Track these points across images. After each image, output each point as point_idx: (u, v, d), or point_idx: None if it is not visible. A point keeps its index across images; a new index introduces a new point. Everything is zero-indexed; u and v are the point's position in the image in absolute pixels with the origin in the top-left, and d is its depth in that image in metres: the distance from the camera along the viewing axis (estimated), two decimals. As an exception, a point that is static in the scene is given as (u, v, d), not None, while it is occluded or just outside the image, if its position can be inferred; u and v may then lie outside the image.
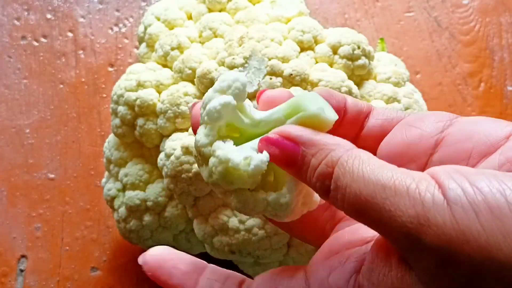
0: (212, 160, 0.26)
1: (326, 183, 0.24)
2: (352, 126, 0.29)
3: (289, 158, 0.25)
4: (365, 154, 0.24)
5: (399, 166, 0.27)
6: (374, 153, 0.29)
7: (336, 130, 0.28)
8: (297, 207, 0.27)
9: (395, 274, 0.23)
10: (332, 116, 0.26)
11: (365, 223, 0.23)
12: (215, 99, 0.27)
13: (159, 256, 0.29)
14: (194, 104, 0.30)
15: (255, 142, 0.26)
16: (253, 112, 0.28)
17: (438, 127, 0.27)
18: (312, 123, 0.26)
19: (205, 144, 0.26)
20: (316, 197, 0.28)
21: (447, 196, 0.21)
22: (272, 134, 0.26)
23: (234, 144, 0.27)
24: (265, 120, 0.27)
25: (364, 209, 0.22)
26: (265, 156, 0.25)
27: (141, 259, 0.29)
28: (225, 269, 0.29)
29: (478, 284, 0.20)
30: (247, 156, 0.26)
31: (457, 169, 0.22)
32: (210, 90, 0.28)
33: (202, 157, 0.27)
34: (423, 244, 0.20)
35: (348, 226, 0.29)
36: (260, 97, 0.29)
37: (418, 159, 0.27)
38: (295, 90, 0.33)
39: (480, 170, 0.22)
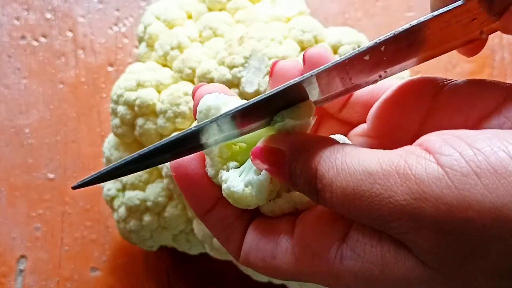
0: (222, 191, 0.27)
1: (312, 186, 0.23)
2: None
3: (279, 166, 0.24)
4: (347, 146, 0.23)
5: (389, 130, 0.26)
6: (363, 120, 0.28)
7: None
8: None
9: (386, 248, 0.21)
10: (307, 115, 0.26)
11: (358, 218, 0.22)
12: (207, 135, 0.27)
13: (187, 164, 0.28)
14: (195, 90, 0.29)
15: (249, 171, 0.27)
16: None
17: (430, 91, 0.26)
18: (292, 130, 0.26)
19: (213, 175, 0.27)
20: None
21: (442, 163, 0.19)
22: (259, 145, 0.25)
23: (238, 162, 0.27)
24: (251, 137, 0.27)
25: (354, 200, 0.21)
26: (262, 176, 0.26)
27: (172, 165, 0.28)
28: None
29: (486, 251, 0.19)
30: (248, 182, 0.26)
31: (453, 133, 0.21)
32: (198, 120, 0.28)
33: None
34: (422, 220, 0.19)
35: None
36: (273, 70, 0.28)
37: (410, 122, 0.26)
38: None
39: (479, 131, 0.21)
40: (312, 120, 0.26)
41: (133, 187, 0.42)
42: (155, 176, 0.42)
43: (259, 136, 0.27)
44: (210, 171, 0.27)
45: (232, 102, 0.27)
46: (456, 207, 0.19)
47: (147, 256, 0.50)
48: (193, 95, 0.28)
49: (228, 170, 0.27)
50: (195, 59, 0.40)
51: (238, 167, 0.27)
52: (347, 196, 0.21)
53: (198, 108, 0.27)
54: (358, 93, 0.28)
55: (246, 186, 0.26)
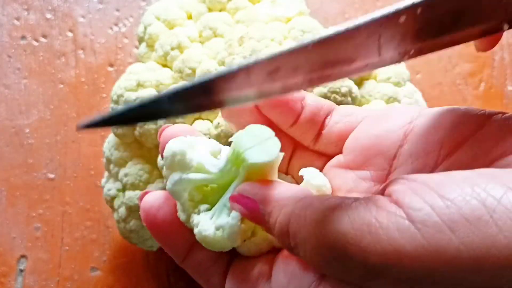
0: (196, 235, 0.26)
1: (286, 242, 0.22)
2: (311, 124, 0.28)
3: (255, 216, 0.24)
4: (317, 200, 0.22)
5: (366, 160, 0.26)
6: (339, 151, 0.28)
7: (293, 128, 0.27)
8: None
9: None
10: (271, 153, 0.25)
11: (334, 275, 0.21)
12: (168, 182, 0.27)
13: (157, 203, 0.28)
14: (160, 133, 0.29)
15: (223, 207, 0.26)
16: (209, 165, 0.27)
17: (406, 119, 0.25)
18: (260, 169, 0.25)
19: (185, 220, 0.27)
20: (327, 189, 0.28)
21: (413, 219, 0.19)
22: (235, 193, 0.25)
23: (209, 205, 0.27)
24: (222, 170, 0.27)
25: (328, 260, 0.20)
26: (234, 218, 0.25)
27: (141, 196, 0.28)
28: None
29: None
30: (219, 225, 0.26)
31: (423, 182, 0.20)
32: (164, 169, 0.28)
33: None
34: (398, 280, 0.19)
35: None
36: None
37: (387, 151, 0.25)
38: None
39: (450, 176, 0.20)
40: (280, 157, 0.26)
41: (133, 187, 0.42)
42: (155, 176, 0.42)
43: (230, 175, 0.26)
44: (182, 215, 0.27)
45: (200, 143, 0.27)
46: (432, 264, 0.18)
47: (147, 256, 0.50)
48: (159, 138, 0.28)
49: (199, 214, 0.27)
50: (195, 59, 0.40)
51: (210, 209, 0.27)
52: (322, 256, 0.21)
53: (164, 154, 0.27)
54: (332, 124, 0.28)
55: (217, 229, 0.26)
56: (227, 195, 0.26)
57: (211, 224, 0.26)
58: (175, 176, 0.27)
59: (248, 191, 0.25)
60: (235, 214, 0.25)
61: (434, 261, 0.18)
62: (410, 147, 0.25)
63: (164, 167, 0.28)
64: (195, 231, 0.26)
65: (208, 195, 0.27)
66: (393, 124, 0.26)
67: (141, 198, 0.28)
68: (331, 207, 0.21)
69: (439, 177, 0.20)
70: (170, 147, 0.27)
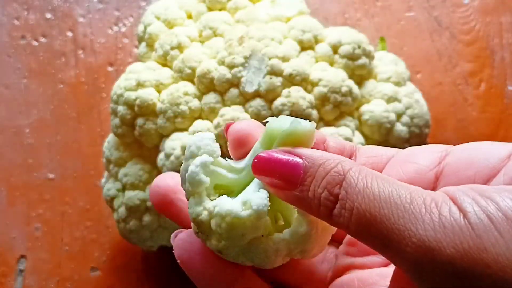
0: (213, 222, 0.24)
1: (335, 192, 0.22)
2: None
3: (290, 174, 0.23)
4: (376, 172, 0.22)
5: None
6: None
7: None
8: (318, 234, 0.25)
9: None
10: (309, 125, 0.24)
11: (369, 243, 0.22)
12: (191, 165, 0.25)
13: (193, 248, 0.27)
14: (227, 128, 0.28)
15: (249, 189, 0.25)
16: (232, 163, 0.26)
17: (435, 160, 0.26)
18: (295, 140, 0.24)
19: (199, 211, 0.25)
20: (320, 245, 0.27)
21: (464, 211, 0.20)
22: (268, 152, 0.24)
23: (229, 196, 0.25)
24: (248, 166, 0.26)
25: (372, 227, 0.21)
26: (263, 193, 0.24)
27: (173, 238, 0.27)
28: None
29: None
30: (245, 200, 0.24)
31: (471, 187, 0.21)
32: (183, 164, 0.26)
33: (203, 226, 0.25)
34: (438, 259, 0.19)
35: (350, 279, 0.27)
36: (228, 131, 0.27)
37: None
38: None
39: (491, 187, 0.21)
40: (314, 128, 0.25)
41: (133, 187, 0.42)
42: (155, 176, 0.42)
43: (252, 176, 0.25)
44: (196, 209, 0.25)
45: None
46: (473, 249, 0.19)
47: (147, 256, 0.50)
48: (225, 133, 0.27)
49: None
50: (195, 59, 0.40)
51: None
52: (366, 221, 0.21)
53: (187, 144, 0.26)
54: None
55: (244, 204, 0.24)
56: (251, 186, 0.25)
57: (237, 201, 0.24)
58: (201, 158, 0.25)
59: (287, 151, 0.24)
60: (263, 193, 0.24)
61: (475, 245, 0.19)
62: (443, 187, 0.25)
63: (189, 159, 0.26)
64: (215, 211, 0.24)
65: (228, 192, 0.26)
66: (423, 166, 0.26)
67: (174, 237, 0.27)
68: (392, 181, 0.22)
69: (484, 186, 0.22)
70: (198, 135, 0.26)
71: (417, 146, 0.27)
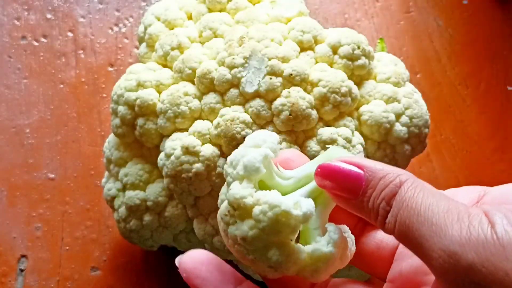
0: (258, 209, 0.25)
1: (391, 203, 0.23)
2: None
3: (353, 185, 0.25)
4: (428, 185, 0.24)
5: None
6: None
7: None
8: (336, 261, 0.26)
9: None
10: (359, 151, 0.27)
11: (408, 247, 0.23)
12: (254, 152, 0.26)
13: (197, 259, 0.27)
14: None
15: (296, 195, 0.26)
16: (281, 169, 0.27)
17: (473, 198, 0.26)
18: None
19: (245, 195, 0.25)
20: (350, 251, 0.28)
21: (495, 229, 0.21)
22: (332, 161, 0.25)
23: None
24: (296, 176, 0.27)
25: (409, 232, 0.22)
26: (312, 201, 0.25)
27: (178, 260, 0.28)
28: None
29: None
30: (296, 201, 0.25)
31: (505, 207, 0.22)
32: (241, 147, 0.27)
33: (242, 210, 0.25)
34: (460, 264, 0.20)
35: None
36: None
37: None
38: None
39: None
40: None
41: (134, 187, 0.42)
42: (155, 176, 0.42)
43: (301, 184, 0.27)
44: (242, 191, 0.26)
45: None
46: (495, 256, 0.20)
47: (147, 256, 0.50)
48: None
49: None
50: (195, 60, 0.40)
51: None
52: (406, 225, 0.22)
53: (253, 134, 0.28)
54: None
55: (294, 203, 0.25)
56: (299, 193, 0.26)
57: (288, 199, 0.25)
58: (265, 150, 0.26)
59: (354, 159, 0.25)
60: (312, 201, 0.25)
61: (497, 252, 0.20)
62: None
63: (250, 147, 0.27)
64: (266, 198, 0.25)
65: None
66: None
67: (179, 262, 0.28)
68: (438, 195, 0.23)
69: None
70: (267, 131, 0.28)
71: (458, 188, 0.28)
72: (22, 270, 0.49)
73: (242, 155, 0.27)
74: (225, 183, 0.28)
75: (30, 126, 0.55)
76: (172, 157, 0.39)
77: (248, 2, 0.44)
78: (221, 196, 0.28)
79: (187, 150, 0.38)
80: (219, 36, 0.42)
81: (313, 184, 0.27)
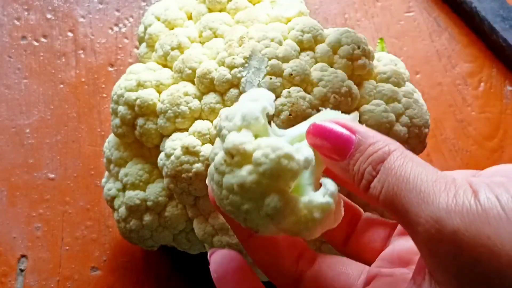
0: (260, 152, 0.24)
1: (378, 168, 0.24)
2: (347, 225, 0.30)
3: (342, 146, 0.25)
4: (417, 157, 0.24)
5: None
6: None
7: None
8: (330, 216, 0.26)
9: None
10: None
11: (393, 214, 0.24)
12: (253, 103, 0.26)
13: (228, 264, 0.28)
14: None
15: (296, 144, 0.26)
16: (274, 127, 0.28)
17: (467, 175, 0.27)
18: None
19: (245, 141, 0.25)
20: (342, 209, 0.28)
21: (475, 192, 0.21)
22: (324, 122, 0.26)
23: None
24: (289, 134, 0.27)
25: (396, 199, 0.23)
26: (311, 151, 0.25)
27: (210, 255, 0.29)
28: None
29: (498, 275, 0.20)
30: (298, 148, 0.25)
31: (490, 179, 0.23)
32: (237, 104, 0.27)
33: (241, 156, 0.25)
34: (445, 230, 0.21)
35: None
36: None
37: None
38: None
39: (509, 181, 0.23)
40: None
41: (134, 187, 0.42)
42: (155, 176, 0.42)
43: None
44: (241, 137, 0.25)
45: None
46: (477, 221, 0.21)
47: (147, 256, 0.50)
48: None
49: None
50: (195, 60, 0.41)
51: None
52: (392, 197, 0.23)
53: (251, 91, 0.27)
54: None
55: (296, 149, 0.25)
56: (296, 146, 0.26)
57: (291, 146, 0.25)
58: (265, 103, 0.26)
59: (347, 122, 0.26)
60: (311, 151, 0.25)
61: (482, 224, 0.20)
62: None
63: (249, 100, 0.27)
64: (268, 142, 0.24)
65: None
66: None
67: (211, 254, 0.29)
68: (425, 166, 0.23)
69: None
70: (264, 89, 0.28)
71: (452, 171, 0.28)
72: (22, 270, 0.49)
73: (239, 109, 0.26)
74: (217, 138, 0.27)
75: (30, 126, 0.55)
76: (172, 157, 0.39)
77: (248, 2, 0.44)
78: (214, 150, 0.27)
79: (187, 150, 0.38)
80: (219, 36, 0.42)
81: (305, 143, 0.27)
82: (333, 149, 0.25)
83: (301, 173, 0.25)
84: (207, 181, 0.28)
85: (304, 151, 0.25)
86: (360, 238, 0.30)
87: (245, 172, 0.24)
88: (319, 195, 0.25)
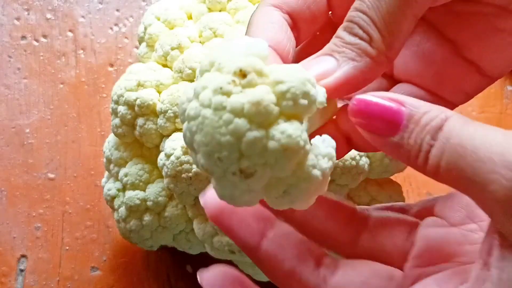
0: (284, 71, 0.21)
1: (436, 137, 0.21)
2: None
3: (392, 119, 0.22)
4: (479, 122, 0.22)
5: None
6: None
7: None
8: (326, 180, 0.23)
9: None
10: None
11: (456, 180, 0.21)
12: (250, 39, 0.23)
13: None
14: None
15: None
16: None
17: None
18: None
19: (259, 63, 0.21)
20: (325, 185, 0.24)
21: None
22: (367, 96, 0.23)
23: None
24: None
25: (461, 159, 0.20)
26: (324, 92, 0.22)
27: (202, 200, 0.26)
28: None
29: None
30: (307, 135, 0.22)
31: None
32: (228, 45, 0.23)
33: (257, 73, 0.21)
34: None
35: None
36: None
37: None
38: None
39: None
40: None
41: (133, 187, 0.42)
42: (155, 176, 0.42)
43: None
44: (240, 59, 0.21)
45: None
46: None
47: (147, 256, 0.50)
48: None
49: None
50: (195, 60, 0.40)
51: None
52: (457, 152, 0.21)
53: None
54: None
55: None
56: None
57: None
58: (262, 48, 0.22)
59: (393, 94, 0.23)
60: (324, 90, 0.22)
61: None
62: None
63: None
64: (285, 67, 0.21)
65: None
66: None
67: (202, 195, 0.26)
68: (490, 128, 0.21)
69: None
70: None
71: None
72: (22, 270, 0.49)
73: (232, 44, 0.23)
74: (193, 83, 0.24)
75: (30, 126, 0.55)
76: (172, 157, 0.39)
77: (248, 2, 0.44)
78: (189, 91, 0.23)
79: (187, 150, 0.38)
80: (219, 36, 0.42)
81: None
82: (380, 125, 0.23)
83: (314, 109, 0.22)
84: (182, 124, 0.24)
85: (319, 88, 0.22)
86: (374, 239, 0.27)
87: (262, 91, 0.21)
88: (321, 146, 0.23)
